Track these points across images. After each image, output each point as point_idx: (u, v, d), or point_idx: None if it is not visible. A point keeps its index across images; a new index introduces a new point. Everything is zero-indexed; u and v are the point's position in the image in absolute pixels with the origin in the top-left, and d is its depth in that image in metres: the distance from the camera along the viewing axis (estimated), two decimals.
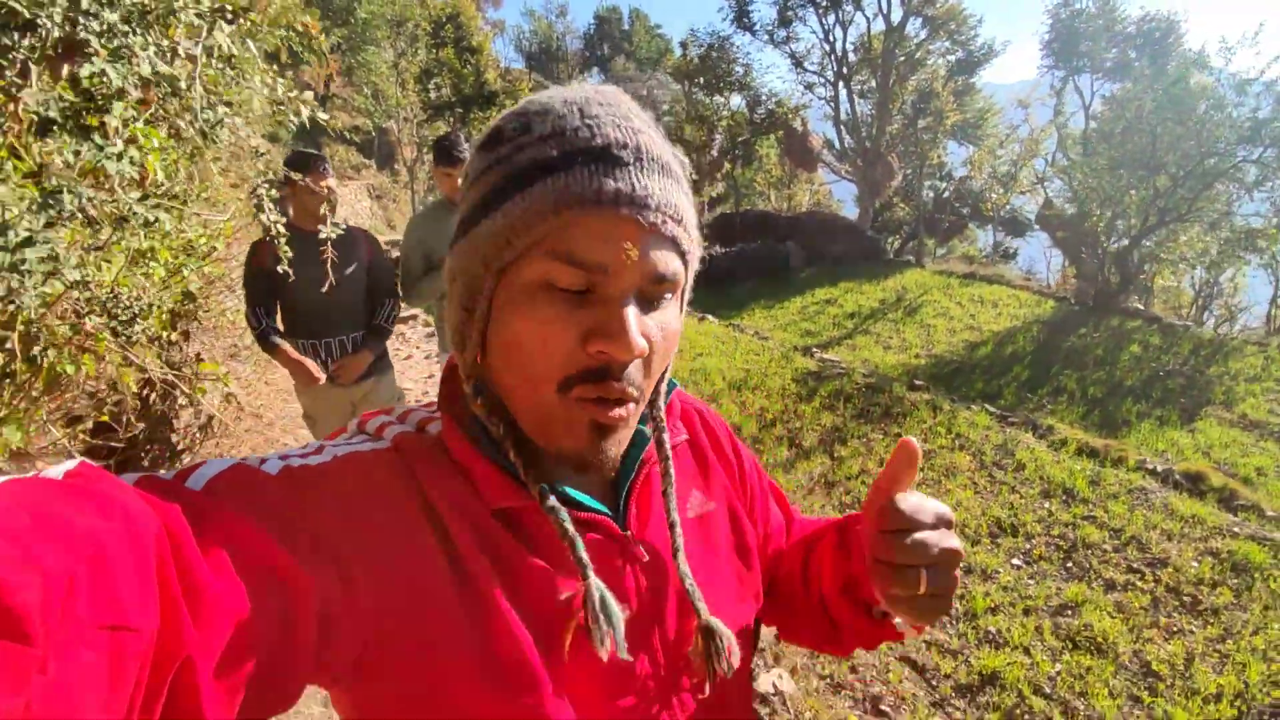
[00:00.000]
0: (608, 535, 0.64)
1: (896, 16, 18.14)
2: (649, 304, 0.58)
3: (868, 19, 19.11)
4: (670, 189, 0.56)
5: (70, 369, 1.58)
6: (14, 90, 1.38)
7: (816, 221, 17.19)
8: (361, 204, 20.39)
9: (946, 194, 24.12)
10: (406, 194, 21.09)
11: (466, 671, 0.54)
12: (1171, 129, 10.70)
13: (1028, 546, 4.71)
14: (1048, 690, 3.48)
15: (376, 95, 20.36)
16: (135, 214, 1.65)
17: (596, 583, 0.58)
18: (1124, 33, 21.74)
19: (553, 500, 0.60)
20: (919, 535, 0.59)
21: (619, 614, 0.58)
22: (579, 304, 0.55)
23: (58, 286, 1.49)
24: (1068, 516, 4.98)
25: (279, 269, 2.65)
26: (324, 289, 2.88)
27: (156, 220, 1.74)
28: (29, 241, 1.33)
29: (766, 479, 0.87)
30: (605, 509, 0.65)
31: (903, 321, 11.96)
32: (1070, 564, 4.51)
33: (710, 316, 11.13)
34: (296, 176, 2.86)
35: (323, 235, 2.76)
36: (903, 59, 17.91)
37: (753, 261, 16.18)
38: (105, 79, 1.52)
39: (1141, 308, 11.92)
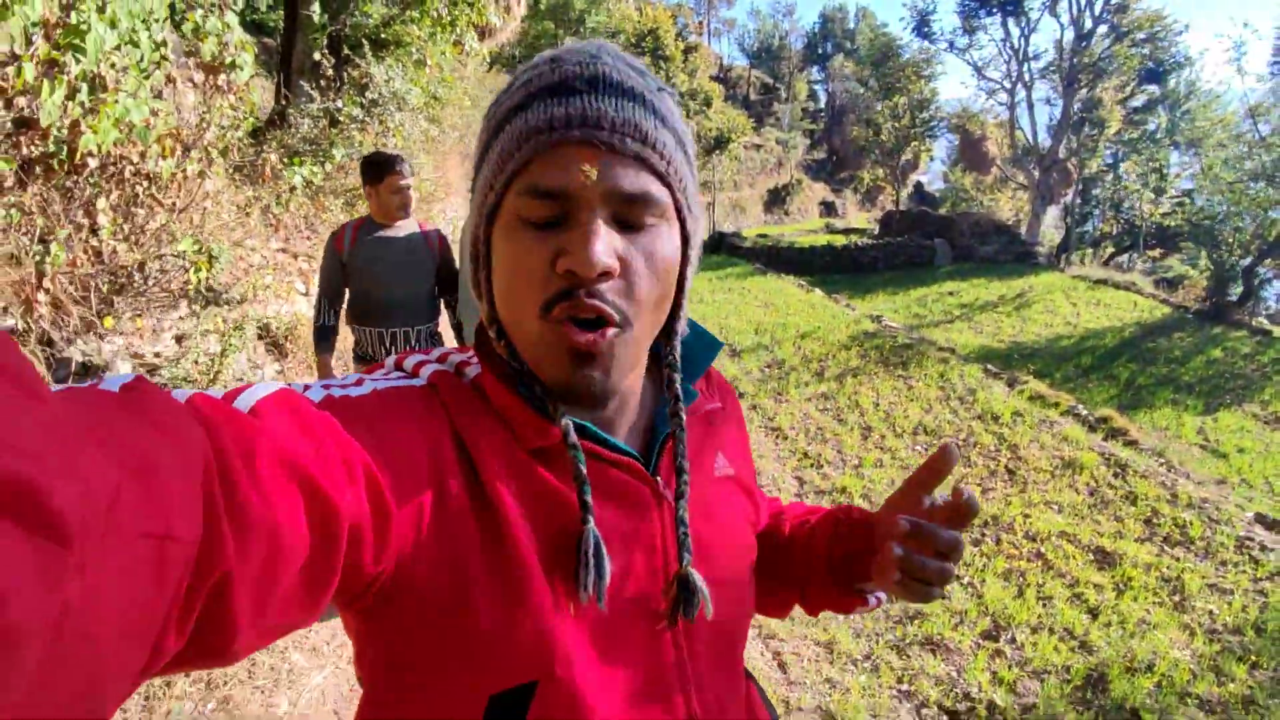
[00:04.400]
0: (636, 476, 0.67)
1: (1087, 25, 18.28)
2: (629, 227, 0.59)
3: (1061, 25, 19.29)
4: (631, 109, 0.58)
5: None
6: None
7: (970, 222, 18.02)
8: None
9: (1164, 207, 23.04)
10: None
11: (483, 589, 0.57)
12: None
13: (934, 441, 6.54)
14: (876, 500, 5.50)
15: None
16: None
17: (594, 530, 0.60)
18: None
19: (574, 438, 0.62)
20: (933, 565, 0.68)
21: (608, 565, 0.60)
22: (552, 232, 0.58)
23: None
24: (979, 428, 6.70)
25: (350, 257, 2.95)
26: (390, 282, 3.01)
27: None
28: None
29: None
30: (636, 454, 0.68)
31: (1008, 314, 13.03)
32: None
33: (818, 290, 13.08)
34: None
35: (400, 233, 3.03)
36: (1087, 65, 18.04)
37: (897, 255, 17.54)
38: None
39: (1265, 320, 11.96)
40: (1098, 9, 17.92)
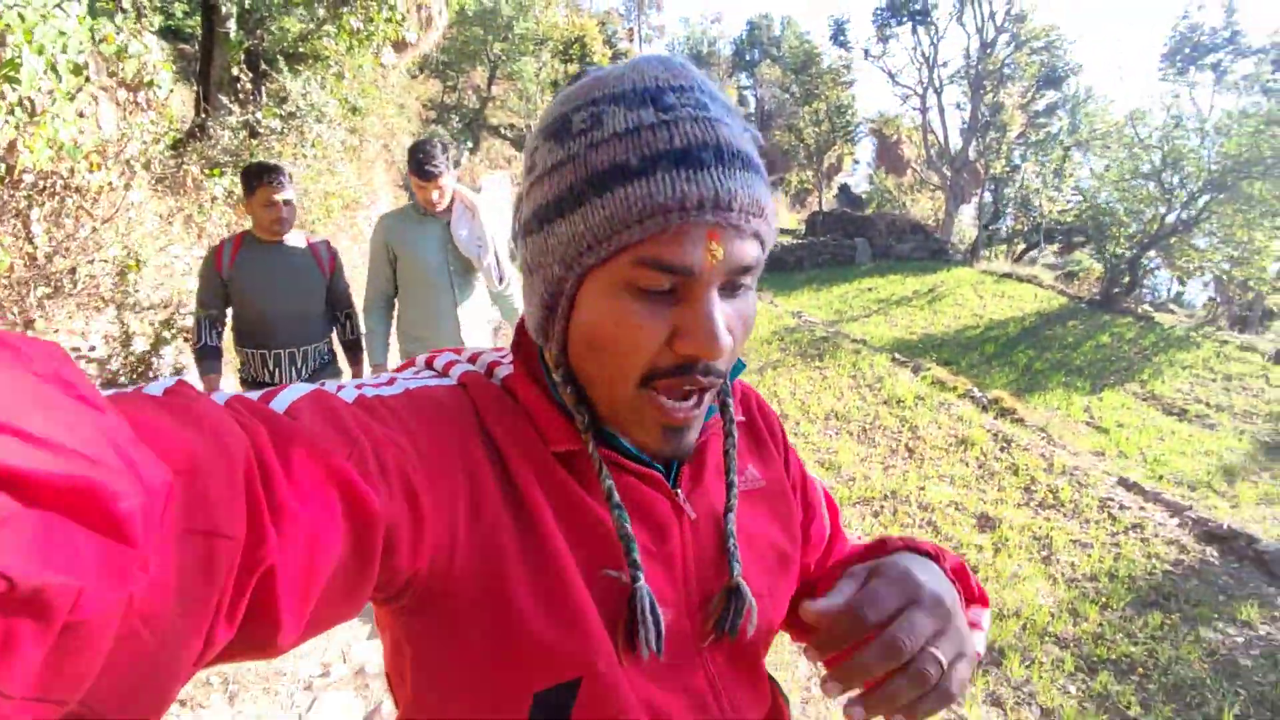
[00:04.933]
0: (658, 489, 0.66)
1: (990, 34, 19.41)
2: (730, 292, 0.59)
3: (967, 35, 20.41)
4: (752, 182, 0.56)
5: None
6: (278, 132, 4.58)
7: (887, 222, 18.92)
8: (504, 190, 24.47)
9: (1061, 205, 24.56)
10: None
11: (522, 585, 0.57)
12: (1179, 148, 11.89)
13: (843, 425, 7.02)
14: None
15: (525, 98, 24.21)
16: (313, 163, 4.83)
17: (645, 588, 0.60)
18: (1252, 46, 21.43)
19: (617, 498, 0.62)
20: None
21: (661, 617, 0.61)
22: (664, 303, 0.57)
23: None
24: (885, 412, 7.21)
25: (231, 274, 2.85)
26: (274, 301, 2.93)
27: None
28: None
29: (819, 487, 0.89)
30: (659, 467, 0.67)
31: (921, 308, 13.78)
32: (863, 435, 6.78)
33: None
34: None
35: (284, 248, 2.94)
36: (992, 72, 19.16)
37: (820, 254, 18.27)
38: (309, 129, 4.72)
39: (1149, 308, 13.00)
40: (999, 19, 19.07)
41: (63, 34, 2.28)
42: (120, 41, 2.73)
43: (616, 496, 0.62)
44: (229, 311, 3.01)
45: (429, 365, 0.69)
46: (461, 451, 0.58)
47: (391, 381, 0.63)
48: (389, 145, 10.00)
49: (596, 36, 20.66)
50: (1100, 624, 4.00)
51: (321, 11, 5.16)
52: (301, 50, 5.54)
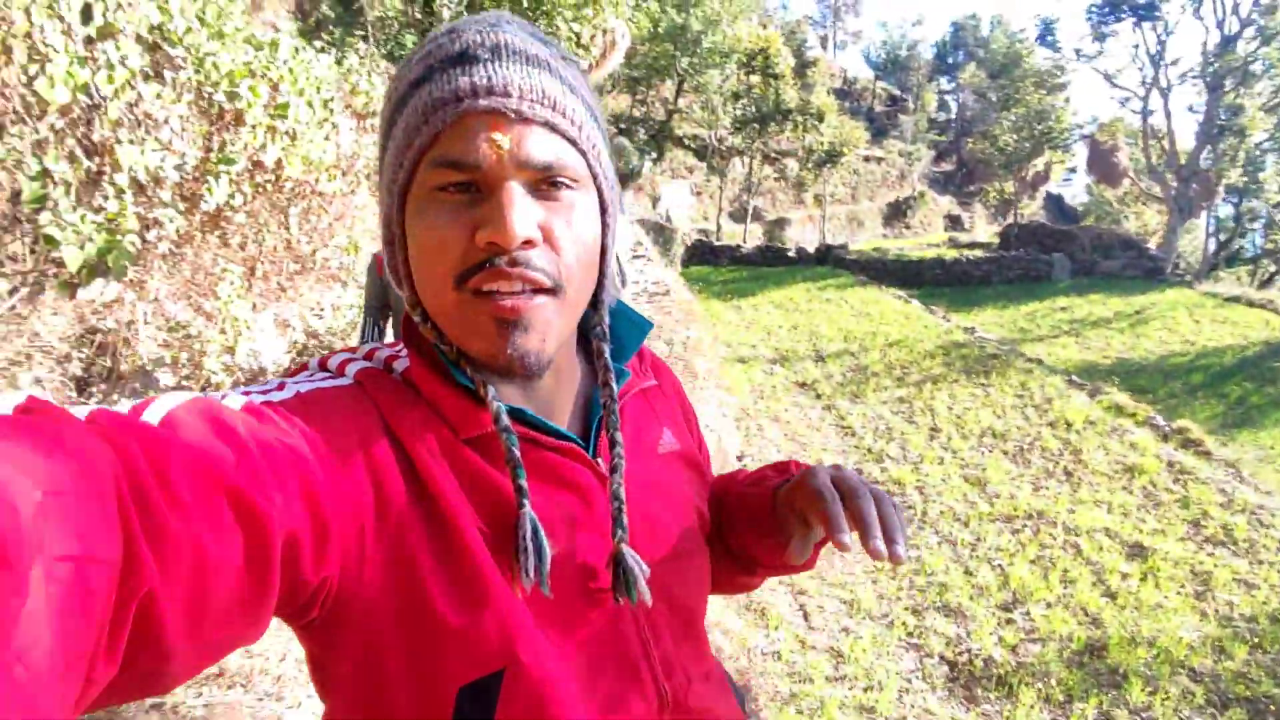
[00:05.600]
0: (578, 461, 0.65)
1: (1232, 27, 17.24)
2: (547, 197, 0.58)
3: (1205, 29, 18.28)
4: (538, 76, 0.57)
5: None
6: None
7: (1091, 236, 17.37)
8: (684, 198, 25.36)
9: None
10: (717, 191, 25.66)
11: (437, 583, 0.56)
12: None
13: (998, 443, 6.80)
14: (928, 491, 5.89)
15: (710, 109, 24.97)
16: None
17: (530, 514, 0.59)
18: None
19: (505, 421, 0.60)
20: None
21: (547, 548, 0.59)
22: (470, 205, 0.57)
23: None
24: (1048, 433, 6.89)
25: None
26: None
27: None
28: None
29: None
30: (577, 438, 0.67)
31: (1122, 331, 12.63)
32: (1018, 455, 6.55)
33: (916, 302, 13.21)
34: None
35: None
36: (1234, 69, 17.01)
37: (1011, 269, 17.17)
38: None
39: None
40: (1245, 11, 16.86)
41: (318, 78, 3.09)
42: (354, 81, 3.57)
43: (516, 453, 0.60)
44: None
45: (323, 367, 0.66)
46: (363, 452, 0.56)
47: (281, 386, 0.60)
48: None
49: (778, 48, 20.90)
50: (1247, 663, 3.73)
51: None
52: None
